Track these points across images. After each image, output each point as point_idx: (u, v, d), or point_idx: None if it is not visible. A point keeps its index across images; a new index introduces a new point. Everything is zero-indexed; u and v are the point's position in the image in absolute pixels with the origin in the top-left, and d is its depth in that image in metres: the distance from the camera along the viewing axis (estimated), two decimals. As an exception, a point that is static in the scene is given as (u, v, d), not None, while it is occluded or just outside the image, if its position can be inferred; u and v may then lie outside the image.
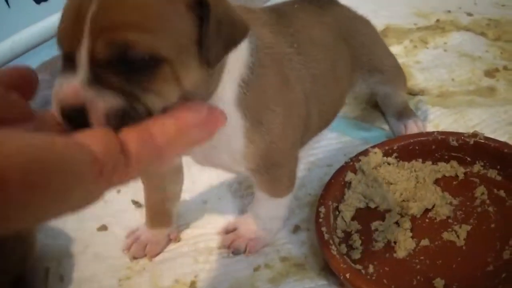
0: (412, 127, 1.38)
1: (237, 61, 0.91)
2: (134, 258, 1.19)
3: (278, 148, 1.01)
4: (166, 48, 0.71)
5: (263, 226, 1.17)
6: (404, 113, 1.43)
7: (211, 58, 0.76)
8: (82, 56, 0.69)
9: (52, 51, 2.14)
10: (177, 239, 1.22)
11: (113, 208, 1.29)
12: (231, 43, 0.80)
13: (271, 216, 1.17)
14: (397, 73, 1.41)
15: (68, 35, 0.71)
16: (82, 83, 0.68)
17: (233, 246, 1.16)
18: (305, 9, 1.23)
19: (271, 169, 1.04)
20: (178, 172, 1.18)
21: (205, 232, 1.22)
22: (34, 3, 2.19)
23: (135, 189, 1.25)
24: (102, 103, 0.68)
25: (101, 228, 1.27)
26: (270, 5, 1.24)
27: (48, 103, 1.86)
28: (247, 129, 0.96)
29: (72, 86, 0.69)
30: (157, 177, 1.14)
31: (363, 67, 1.31)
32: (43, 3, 2.21)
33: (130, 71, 0.70)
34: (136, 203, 1.31)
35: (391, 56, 1.40)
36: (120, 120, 0.68)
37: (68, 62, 0.71)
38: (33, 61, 2.10)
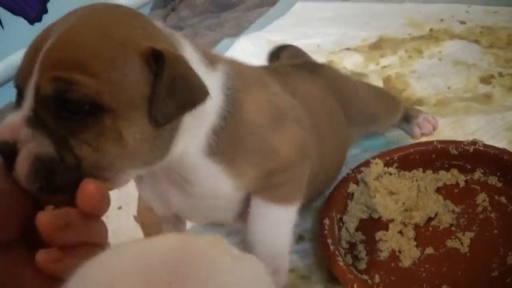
0: (426, 125, 1.43)
1: (202, 115, 0.81)
2: None
3: (279, 157, 0.92)
4: (111, 98, 0.68)
5: (271, 255, 0.95)
6: (411, 114, 1.45)
7: (159, 118, 0.71)
8: (29, 92, 0.67)
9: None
10: None
11: (113, 225, 1.29)
12: (186, 106, 0.75)
13: (272, 244, 0.97)
14: (390, 112, 1.42)
15: (22, 71, 0.70)
16: (22, 120, 0.67)
17: None
18: (297, 70, 1.23)
19: (272, 176, 0.92)
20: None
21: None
22: (27, 23, 2.21)
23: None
24: (33, 146, 0.66)
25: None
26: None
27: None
28: (229, 169, 0.87)
29: (12, 122, 0.67)
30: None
31: (356, 122, 1.31)
32: (36, 24, 2.23)
33: (69, 116, 0.67)
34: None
35: (381, 100, 1.40)
36: (44, 169, 0.66)
37: (19, 97, 0.70)
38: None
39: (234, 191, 0.89)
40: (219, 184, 0.87)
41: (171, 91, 0.71)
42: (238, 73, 0.90)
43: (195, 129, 0.81)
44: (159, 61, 0.71)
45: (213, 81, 0.82)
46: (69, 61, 0.67)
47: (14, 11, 2.14)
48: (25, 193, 0.66)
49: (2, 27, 2.11)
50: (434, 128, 1.45)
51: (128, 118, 0.70)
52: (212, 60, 0.86)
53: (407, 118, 1.45)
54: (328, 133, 1.15)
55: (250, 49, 2.02)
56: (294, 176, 0.95)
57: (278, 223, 0.96)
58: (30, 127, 0.66)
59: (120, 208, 1.33)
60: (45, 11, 2.26)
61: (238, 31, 2.29)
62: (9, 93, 2.01)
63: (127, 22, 0.74)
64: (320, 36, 2.04)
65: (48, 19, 2.21)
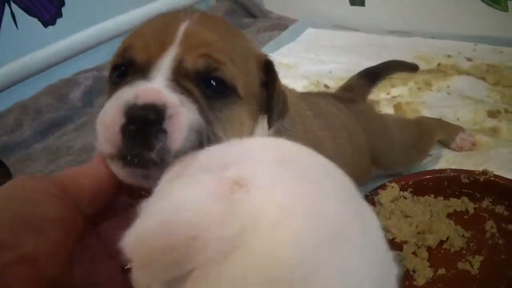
0: (465, 144, 1.55)
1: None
2: None
3: None
4: (244, 90, 0.72)
5: None
6: (448, 139, 1.56)
7: (273, 118, 0.79)
8: (164, 64, 0.66)
9: (58, 75, 2.21)
10: None
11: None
12: (283, 114, 0.85)
13: None
14: (417, 159, 1.50)
15: (147, 45, 0.68)
16: (165, 87, 0.64)
17: None
18: (330, 97, 1.36)
19: None
20: None
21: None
22: (41, 26, 2.25)
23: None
24: (187, 113, 0.63)
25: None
26: None
27: (53, 126, 1.88)
28: None
29: (151, 87, 0.63)
30: None
31: (379, 163, 1.40)
32: (50, 27, 2.27)
33: (212, 95, 0.68)
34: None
35: (413, 148, 1.47)
36: (198, 136, 0.63)
37: (136, 73, 0.67)
38: (39, 84, 2.17)
39: None
40: None
41: (278, 98, 0.80)
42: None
43: None
44: (268, 70, 0.80)
45: None
46: (216, 45, 0.69)
47: (30, 12, 2.18)
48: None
49: (17, 27, 2.15)
50: (473, 143, 1.56)
51: (250, 111, 0.76)
52: None
53: (445, 142, 1.56)
54: (345, 151, 1.23)
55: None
56: None
57: None
58: (178, 94, 0.63)
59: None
60: (60, 15, 2.29)
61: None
62: (24, 92, 2.05)
63: (238, 30, 0.82)
64: (332, 63, 2.12)
65: (62, 23, 2.27)
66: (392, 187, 1.27)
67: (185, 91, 0.65)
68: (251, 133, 0.77)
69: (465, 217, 1.26)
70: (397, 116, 1.67)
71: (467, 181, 1.28)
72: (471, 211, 1.27)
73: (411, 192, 1.29)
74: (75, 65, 2.35)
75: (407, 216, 1.25)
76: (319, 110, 1.20)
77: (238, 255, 0.44)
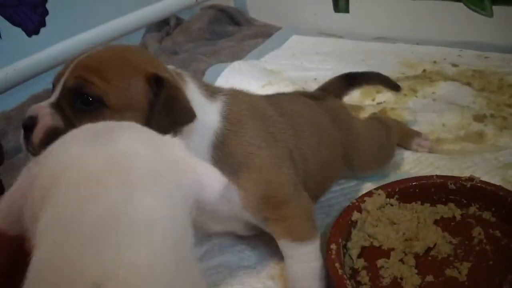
0: (423, 144, 1.59)
1: (202, 133, 1.05)
2: None
3: (277, 184, 1.09)
4: (115, 99, 0.94)
5: None
6: (406, 141, 1.60)
7: (155, 128, 0.86)
8: (58, 86, 0.96)
9: (42, 84, 2.20)
10: None
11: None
12: (177, 123, 0.98)
13: (311, 275, 1.12)
14: (383, 163, 1.52)
15: (58, 74, 0.99)
16: (47, 104, 0.96)
17: None
18: (299, 96, 1.46)
19: (279, 208, 1.09)
20: None
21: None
22: (25, 36, 2.23)
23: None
24: (49, 119, 0.94)
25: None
26: None
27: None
28: (235, 180, 1.05)
29: (39, 105, 0.97)
30: None
31: (350, 164, 1.42)
32: (34, 37, 2.26)
33: (82, 107, 0.94)
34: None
35: (381, 150, 1.50)
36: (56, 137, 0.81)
37: (52, 92, 0.98)
38: (23, 94, 2.16)
39: (242, 203, 1.07)
40: (227, 194, 1.00)
41: (166, 109, 0.96)
42: (236, 99, 1.13)
43: (198, 144, 1.03)
44: (159, 86, 0.96)
45: (211, 108, 1.08)
46: (91, 67, 0.94)
47: (14, 22, 2.17)
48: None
49: (0, 37, 2.14)
50: (432, 144, 1.60)
51: (124, 116, 0.92)
52: (213, 92, 1.11)
53: (403, 146, 1.59)
54: (315, 150, 1.27)
55: (249, 72, 2.11)
56: (301, 209, 1.13)
57: (306, 261, 1.12)
58: (51, 109, 0.95)
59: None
60: (43, 24, 2.28)
61: (233, 59, 2.34)
62: (7, 102, 2.04)
63: (140, 54, 1.03)
64: (317, 70, 2.11)
65: (46, 33, 2.26)
66: (379, 194, 1.27)
67: (58, 106, 0.95)
68: None
69: (452, 223, 1.26)
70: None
71: (453, 187, 1.28)
72: (458, 217, 1.26)
73: (397, 199, 1.28)
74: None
75: (394, 223, 1.24)
76: (283, 110, 1.25)
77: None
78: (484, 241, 1.20)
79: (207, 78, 2.19)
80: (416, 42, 2.36)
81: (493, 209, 1.25)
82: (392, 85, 1.67)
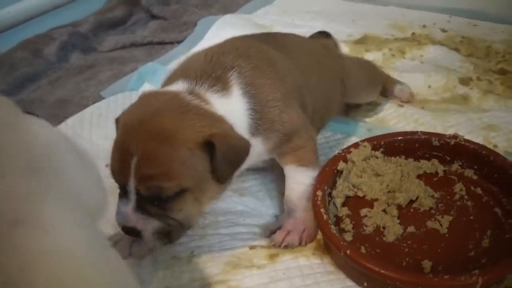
0: (403, 94, 1.66)
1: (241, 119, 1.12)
2: None
3: (290, 122, 1.17)
4: (188, 183, 1.01)
5: (302, 209, 1.20)
6: (387, 88, 1.68)
7: (222, 181, 1.05)
8: (131, 190, 1.01)
9: (32, 30, 2.19)
10: None
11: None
12: (237, 164, 1.07)
13: (303, 194, 1.20)
14: (373, 84, 1.62)
15: (118, 172, 1.02)
16: (131, 210, 1.02)
17: (286, 242, 1.16)
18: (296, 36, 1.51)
19: (291, 141, 1.19)
20: None
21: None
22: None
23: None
24: (147, 225, 1.02)
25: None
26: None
27: (27, 81, 1.89)
28: (262, 138, 1.15)
29: (125, 213, 1.03)
30: None
31: (345, 89, 1.50)
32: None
33: (164, 202, 1.01)
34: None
35: (368, 73, 1.61)
36: (162, 234, 1.03)
37: (122, 189, 1.04)
38: (14, 39, 2.16)
39: (266, 153, 1.19)
40: (257, 149, 1.15)
41: (225, 161, 1.02)
42: (242, 70, 1.15)
43: (240, 127, 1.11)
44: (211, 145, 1.00)
45: (235, 102, 1.12)
46: (154, 174, 0.98)
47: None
48: None
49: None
50: (412, 95, 1.66)
51: (202, 189, 1.04)
52: (224, 82, 1.13)
53: (385, 90, 1.66)
54: (321, 85, 1.38)
55: (240, 25, 2.12)
56: (308, 140, 1.23)
57: (306, 177, 1.22)
58: (140, 214, 1.02)
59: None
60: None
61: (225, 13, 2.34)
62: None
63: (181, 120, 1.02)
64: (306, 27, 2.08)
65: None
66: (365, 146, 1.28)
67: (145, 209, 1.02)
68: (222, 189, 1.11)
69: (435, 179, 1.28)
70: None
71: (437, 144, 1.30)
72: (441, 173, 1.29)
73: (382, 152, 1.30)
74: (51, 20, 2.34)
75: (378, 175, 1.26)
76: (288, 50, 1.34)
77: None
78: (466, 197, 1.22)
79: (198, 29, 2.20)
80: (407, 6, 2.36)
81: (476, 167, 1.27)
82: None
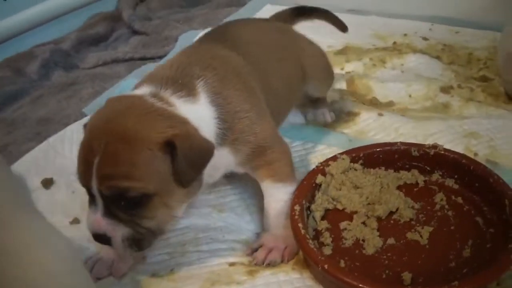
0: (326, 117, 1.63)
1: (209, 127, 1.11)
2: (98, 279, 1.15)
3: (262, 133, 1.17)
4: (153, 186, 0.99)
5: (283, 226, 1.18)
6: (320, 103, 1.64)
7: (184, 183, 1.02)
8: (96, 193, 0.99)
9: (14, 49, 2.19)
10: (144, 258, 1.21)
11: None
12: (200, 167, 1.04)
13: (282, 211, 1.19)
14: (328, 78, 1.62)
15: (83, 176, 1.00)
16: (100, 216, 1.00)
17: (268, 260, 1.15)
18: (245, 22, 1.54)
19: (265, 155, 1.18)
20: None
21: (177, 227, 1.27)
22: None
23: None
24: (117, 232, 1.01)
25: (74, 221, 1.31)
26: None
27: (9, 99, 1.89)
28: (230, 149, 1.15)
29: (94, 219, 1.01)
30: None
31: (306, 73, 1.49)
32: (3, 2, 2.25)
33: (131, 206, 0.99)
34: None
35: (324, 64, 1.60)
36: (133, 241, 1.02)
37: (89, 194, 1.02)
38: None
39: (235, 165, 1.19)
40: (225, 160, 1.16)
41: (186, 164, 1.00)
42: (206, 79, 1.15)
43: (208, 135, 1.09)
44: (173, 146, 0.98)
45: (201, 108, 1.11)
46: (116, 174, 0.97)
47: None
48: None
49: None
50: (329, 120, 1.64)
51: (169, 193, 1.02)
52: (189, 87, 1.12)
53: (315, 104, 1.65)
54: (281, 75, 1.37)
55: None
56: (283, 154, 1.22)
57: (284, 193, 1.21)
58: (109, 219, 1.00)
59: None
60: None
61: (206, 27, 2.32)
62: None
63: (143, 121, 1.00)
64: (288, 40, 2.09)
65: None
66: (343, 159, 1.27)
67: (114, 215, 1.00)
68: (189, 192, 1.07)
69: (415, 189, 1.28)
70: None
71: (417, 154, 1.29)
72: (421, 183, 1.28)
73: (361, 164, 1.29)
74: (33, 38, 2.34)
75: (357, 187, 1.25)
76: (242, 49, 1.31)
77: None
78: (446, 207, 1.21)
79: (179, 44, 2.19)
80: (388, 16, 2.36)
81: (456, 176, 1.27)
82: (339, 24, 1.75)
